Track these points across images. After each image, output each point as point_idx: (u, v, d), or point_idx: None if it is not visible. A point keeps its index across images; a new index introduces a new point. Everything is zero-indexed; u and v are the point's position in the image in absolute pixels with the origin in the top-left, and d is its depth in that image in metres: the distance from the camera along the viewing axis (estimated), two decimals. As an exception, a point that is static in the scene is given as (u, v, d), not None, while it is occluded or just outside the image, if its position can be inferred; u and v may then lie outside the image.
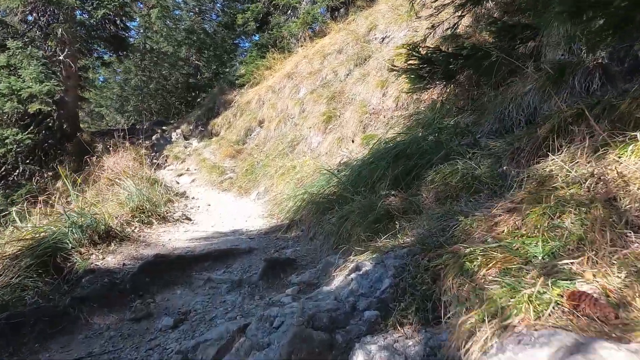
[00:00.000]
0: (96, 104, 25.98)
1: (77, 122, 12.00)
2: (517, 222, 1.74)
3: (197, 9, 25.74)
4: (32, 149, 11.18)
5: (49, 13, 9.64)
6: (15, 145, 8.72)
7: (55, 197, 10.26)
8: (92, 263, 3.50)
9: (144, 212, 4.65)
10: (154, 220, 4.63)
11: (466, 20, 5.24)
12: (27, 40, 9.52)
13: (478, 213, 1.96)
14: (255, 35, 19.14)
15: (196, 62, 25.31)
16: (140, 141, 12.67)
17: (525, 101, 3.01)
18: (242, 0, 19.56)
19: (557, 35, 3.17)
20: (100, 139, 12.53)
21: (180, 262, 3.49)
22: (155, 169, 10.44)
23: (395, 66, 4.16)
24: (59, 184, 10.80)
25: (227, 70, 25.50)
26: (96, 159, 9.35)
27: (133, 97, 25.34)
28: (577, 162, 1.89)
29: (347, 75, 8.83)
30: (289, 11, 14.69)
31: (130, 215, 4.51)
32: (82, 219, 3.85)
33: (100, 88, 25.84)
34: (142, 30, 24.71)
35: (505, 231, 1.71)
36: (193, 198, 6.21)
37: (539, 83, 2.99)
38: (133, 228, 4.33)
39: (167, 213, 4.86)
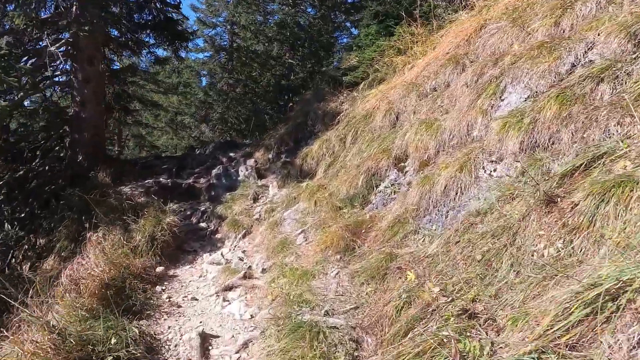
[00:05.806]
0: (178, 112, 23.19)
1: (101, 148, 7.63)
2: None
3: (290, 1, 22.21)
4: (24, 198, 7.02)
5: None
6: None
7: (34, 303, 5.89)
8: None
9: None
10: None
11: None
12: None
13: None
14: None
15: (289, 60, 21.72)
16: (191, 181, 8.04)
17: None
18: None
19: None
20: (134, 183, 8.04)
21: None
22: (194, 258, 5.62)
23: None
24: (50, 261, 6.40)
25: (324, 69, 21.47)
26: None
27: (219, 103, 22.22)
28: None
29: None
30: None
31: None
32: None
33: (183, 94, 23.10)
34: (228, 27, 21.81)
35: None
36: None
37: None
38: None
39: None
